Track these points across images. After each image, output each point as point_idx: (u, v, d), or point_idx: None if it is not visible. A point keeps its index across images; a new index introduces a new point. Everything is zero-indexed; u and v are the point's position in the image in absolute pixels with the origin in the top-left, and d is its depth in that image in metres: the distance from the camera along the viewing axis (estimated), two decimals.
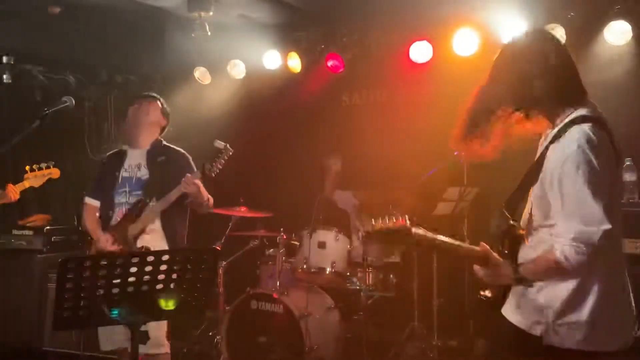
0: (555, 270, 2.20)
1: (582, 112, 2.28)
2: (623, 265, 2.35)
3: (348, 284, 5.37)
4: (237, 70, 6.67)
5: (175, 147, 4.19)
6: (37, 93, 6.43)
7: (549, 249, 2.21)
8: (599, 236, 2.11)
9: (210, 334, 5.68)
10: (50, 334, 5.42)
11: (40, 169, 4.27)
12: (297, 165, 6.49)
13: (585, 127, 2.21)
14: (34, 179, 4.25)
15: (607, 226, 2.11)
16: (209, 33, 5.36)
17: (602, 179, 2.16)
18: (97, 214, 4.10)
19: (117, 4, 5.25)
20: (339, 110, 6.79)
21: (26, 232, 5.75)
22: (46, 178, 4.31)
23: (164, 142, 4.19)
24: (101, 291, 2.42)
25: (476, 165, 4.96)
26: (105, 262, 2.42)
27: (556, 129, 2.30)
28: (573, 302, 2.22)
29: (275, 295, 5.00)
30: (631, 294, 2.33)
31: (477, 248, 2.36)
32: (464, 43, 5.50)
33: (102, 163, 4.29)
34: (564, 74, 2.31)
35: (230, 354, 5.10)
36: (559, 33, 5.10)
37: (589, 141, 2.17)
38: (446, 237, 2.38)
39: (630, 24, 4.86)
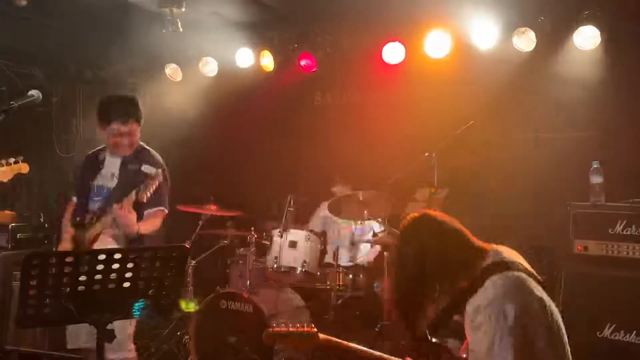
0: None
1: (489, 261, 2.29)
2: None
3: (318, 284, 5.37)
4: (209, 67, 6.62)
5: (151, 151, 4.06)
6: (3, 86, 6.30)
7: None
8: None
9: (179, 333, 5.62)
10: (14, 332, 5.31)
11: (8, 163, 4.17)
12: (268, 164, 6.47)
13: (497, 278, 2.21)
14: (2, 173, 4.16)
15: None
16: (181, 29, 5.30)
17: (516, 329, 2.11)
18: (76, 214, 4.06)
19: None
20: (311, 110, 6.79)
21: None
22: (15, 173, 4.22)
23: (144, 146, 4.07)
24: (67, 289, 2.38)
25: (447, 167, 5.01)
26: (71, 259, 2.37)
27: (471, 299, 2.26)
28: None
29: (245, 295, 4.97)
30: None
31: None
32: (436, 45, 5.53)
33: (80, 165, 4.19)
34: (462, 243, 2.34)
35: (199, 354, 5.05)
36: (530, 36, 5.18)
37: (507, 296, 2.16)
38: (363, 347, 2.43)
39: (598, 29, 4.93)
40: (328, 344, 2.42)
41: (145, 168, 3.83)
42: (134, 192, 3.69)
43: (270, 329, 2.37)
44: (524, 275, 2.25)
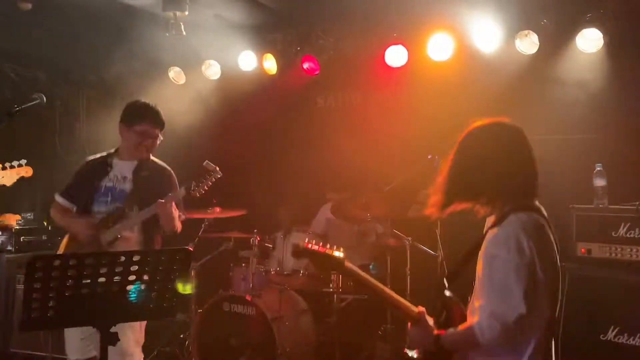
0: (470, 343, 2.27)
1: (528, 202, 2.39)
2: (550, 350, 2.44)
3: (321, 287, 5.37)
4: (212, 70, 6.63)
5: (162, 163, 4.08)
6: (7, 90, 6.32)
7: (470, 324, 2.29)
8: (513, 319, 2.19)
9: (182, 336, 5.63)
10: (18, 335, 5.32)
11: (12, 167, 4.18)
12: (271, 167, 6.47)
13: (523, 215, 2.32)
14: (6, 177, 4.16)
15: (522, 311, 2.19)
16: (184, 33, 5.31)
17: (531, 265, 2.23)
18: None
19: (91, 1, 5.18)
20: (314, 113, 6.79)
21: None
22: (19, 176, 4.22)
23: (153, 159, 4.09)
24: (70, 292, 2.38)
25: None
26: (75, 262, 2.37)
27: (500, 214, 2.38)
28: None
29: (247, 298, 4.97)
30: None
31: (414, 308, 2.45)
32: (439, 48, 5.53)
33: (82, 166, 4.15)
34: (523, 172, 2.42)
35: (202, 356, 5.06)
36: (532, 39, 5.18)
37: (524, 228, 2.27)
38: (384, 285, 2.48)
39: (601, 32, 4.93)
40: (351, 273, 2.45)
41: (206, 164, 3.83)
42: (183, 188, 3.76)
43: (304, 245, 2.39)
44: (548, 228, 2.38)
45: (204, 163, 3.85)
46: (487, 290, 2.29)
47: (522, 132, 2.50)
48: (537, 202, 2.43)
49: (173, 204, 3.76)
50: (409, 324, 2.48)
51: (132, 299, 2.51)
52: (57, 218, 4.05)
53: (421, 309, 2.45)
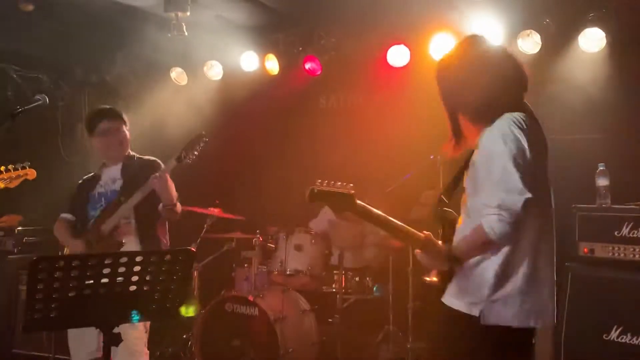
0: (483, 243, 2.34)
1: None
2: (550, 241, 2.52)
3: (324, 287, 5.37)
4: (214, 71, 6.63)
5: (147, 157, 4.15)
6: (9, 91, 6.33)
7: (478, 225, 2.33)
8: (521, 204, 2.24)
9: (184, 336, 5.63)
10: (21, 336, 5.33)
11: (15, 169, 4.19)
12: (273, 167, 6.47)
13: (516, 114, 2.44)
14: (10, 179, 4.17)
15: (529, 195, 2.25)
16: (186, 33, 5.32)
17: (527, 156, 2.33)
18: (68, 227, 4.07)
19: (93, 2, 5.19)
20: (316, 113, 6.79)
21: None
22: (22, 179, 4.23)
23: (137, 156, 4.16)
24: (73, 293, 2.38)
25: (452, 169, 5.00)
26: (78, 263, 2.37)
27: (490, 125, 2.47)
28: (504, 274, 2.37)
29: (250, 298, 4.97)
30: (554, 275, 2.50)
31: (420, 233, 2.50)
32: (441, 48, 5.52)
33: (79, 184, 4.23)
34: (510, 84, 2.58)
35: (204, 357, 5.06)
36: (535, 39, 5.17)
37: (518, 124, 2.38)
38: (391, 217, 2.55)
39: (604, 31, 4.93)
40: (362, 209, 2.51)
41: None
42: (173, 159, 3.77)
43: (313, 187, 2.43)
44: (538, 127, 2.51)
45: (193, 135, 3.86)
46: (488, 186, 2.34)
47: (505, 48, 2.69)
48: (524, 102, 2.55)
49: (167, 176, 3.76)
50: (417, 250, 2.53)
51: (134, 299, 2.52)
52: (57, 234, 4.11)
53: (427, 233, 2.50)
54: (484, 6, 5.08)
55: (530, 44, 5.22)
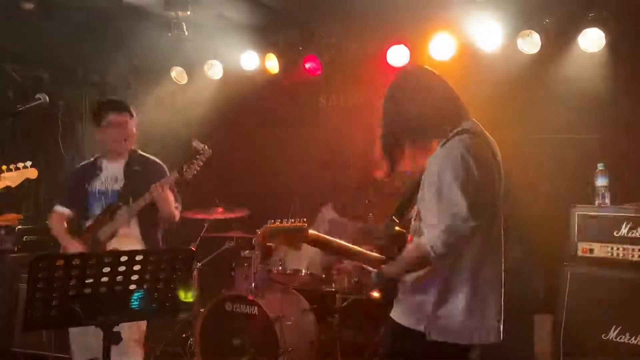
0: (420, 260, 2.43)
1: (463, 126, 2.56)
2: (496, 266, 2.55)
3: (323, 286, 5.37)
4: (215, 70, 6.63)
5: (151, 156, 4.12)
6: (10, 90, 6.33)
7: (419, 241, 2.43)
8: (465, 231, 2.34)
9: (184, 335, 5.64)
10: (20, 334, 5.33)
11: (17, 168, 4.19)
12: (273, 167, 6.48)
13: (464, 136, 2.49)
14: (12, 178, 4.17)
15: (474, 223, 2.34)
16: (186, 33, 5.32)
17: (476, 181, 2.39)
18: (65, 223, 4.04)
19: (93, 2, 5.19)
20: (316, 112, 6.79)
21: None
22: (24, 178, 4.23)
23: (140, 152, 4.12)
24: (73, 291, 2.39)
25: None
26: (78, 262, 2.38)
27: (442, 144, 2.55)
28: (445, 293, 2.45)
29: (250, 297, 4.98)
30: (502, 291, 2.56)
31: (375, 254, 2.61)
32: (441, 48, 5.53)
33: (74, 172, 4.18)
34: (443, 103, 2.62)
35: (204, 356, 5.07)
36: (534, 39, 5.17)
37: (466, 147, 2.43)
38: (346, 243, 2.66)
39: (603, 32, 4.93)
40: (316, 238, 2.63)
41: (195, 143, 3.85)
42: (175, 171, 3.75)
43: (266, 226, 2.58)
44: (492, 142, 2.59)
45: (193, 143, 3.84)
46: (436, 208, 2.42)
47: (434, 72, 2.73)
48: (472, 121, 2.61)
49: (167, 189, 3.75)
50: (374, 270, 2.62)
51: (134, 298, 2.52)
52: (53, 228, 4.08)
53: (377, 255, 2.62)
54: (483, 6, 5.09)
55: (530, 44, 5.22)
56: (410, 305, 2.54)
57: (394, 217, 2.69)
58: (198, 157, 3.78)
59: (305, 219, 2.57)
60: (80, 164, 4.18)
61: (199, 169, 3.79)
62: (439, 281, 2.47)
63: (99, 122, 4.00)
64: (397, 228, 2.64)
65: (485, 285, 2.49)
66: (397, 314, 2.59)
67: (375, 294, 2.69)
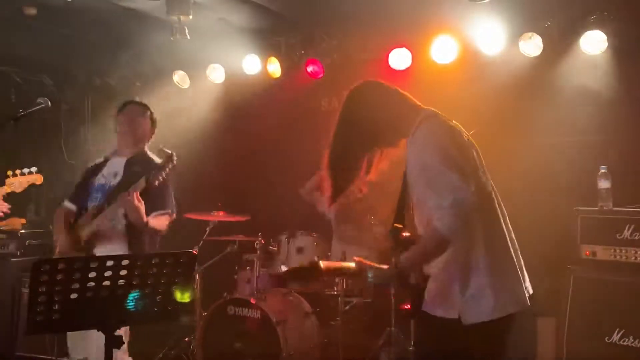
0: (436, 243, 2.47)
1: (423, 114, 2.67)
2: (499, 229, 2.60)
3: (326, 290, 5.36)
4: (217, 74, 6.65)
5: (156, 158, 4.03)
6: (12, 94, 6.35)
7: (427, 231, 2.50)
8: (470, 198, 2.38)
9: (187, 339, 5.63)
10: (23, 338, 5.34)
11: (22, 174, 4.19)
12: (275, 170, 6.48)
13: (428, 122, 2.61)
14: (17, 184, 4.17)
15: (472, 188, 2.40)
16: (188, 37, 5.33)
17: (454, 154, 2.48)
18: (64, 217, 4.04)
19: (95, 6, 5.20)
20: (318, 116, 6.78)
21: (0, 235, 5.66)
22: (29, 184, 4.24)
23: (148, 153, 4.11)
24: (75, 295, 2.39)
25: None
26: (80, 265, 2.39)
27: (410, 137, 2.64)
28: (467, 273, 2.48)
29: (252, 301, 4.98)
30: (520, 260, 2.62)
31: (384, 266, 2.64)
32: (443, 51, 5.53)
33: (87, 169, 4.20)
34: (398, 107, 2.74)
35: None
36: (536, 41, 5.17)
37: (434, 128, 2.58)
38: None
39: (605, 34, 4.93)
40: (329, 269, 2.69)
41: (163, 149, 3.77)
42: (143, 179, 3.65)
43: (282, 272, 2.67)
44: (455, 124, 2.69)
45: (161, 148, 3.75)
46: (431, 191, 2.46)
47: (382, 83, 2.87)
48: (427, 108, 2.72)
49: (136, 198, 3.64)
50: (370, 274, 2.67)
51: (136, 302, 2.52)
52: (54, 222, 4.09)
53: (356, 258, 2.69)
54: (485, 9, 5.08)
55: (531, 46, 5.22)
56: (439, 296, 2.55)
57: (395, 224, 2.70)
58: (164, 165, 3.66)
59: (316, 258, 2.66)
60: (96, 161, 4.19)
61: (165, 176, 3.70)
62: (459, 265, 2.49)
63: (120, 109, 4.13)
64: (403, 233, 2.66)
65: (500, 253, 2.54)
66: (431, 307, 2.60)
67: (406, 306, 2.69)
